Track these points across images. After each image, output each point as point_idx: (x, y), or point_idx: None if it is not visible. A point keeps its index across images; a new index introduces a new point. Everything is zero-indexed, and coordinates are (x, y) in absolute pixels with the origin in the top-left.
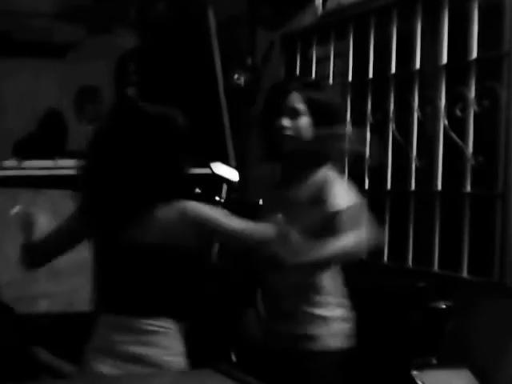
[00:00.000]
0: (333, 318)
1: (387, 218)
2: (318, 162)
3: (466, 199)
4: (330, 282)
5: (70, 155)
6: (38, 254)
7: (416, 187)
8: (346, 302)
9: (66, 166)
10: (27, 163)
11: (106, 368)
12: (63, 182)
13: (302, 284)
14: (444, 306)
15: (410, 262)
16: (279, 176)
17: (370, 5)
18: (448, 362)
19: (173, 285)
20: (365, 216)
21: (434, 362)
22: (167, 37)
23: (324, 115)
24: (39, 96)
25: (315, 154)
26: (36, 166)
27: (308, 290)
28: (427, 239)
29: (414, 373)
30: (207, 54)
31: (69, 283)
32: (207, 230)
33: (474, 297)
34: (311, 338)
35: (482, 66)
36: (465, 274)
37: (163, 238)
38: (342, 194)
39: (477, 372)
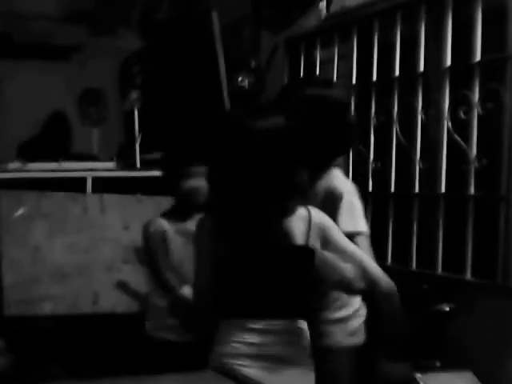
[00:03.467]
0: (347, 317)
1: (391, 221)
2: (319, 166)
3: (470, 202)
4: None
5: (74, 157)
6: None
7: (420, 190)
8: (354, 299)
9: (70, 168)
10: (31, 165)
11: (253, 371)
12: (67, 185)
13: None
14: (447, 309)
15: (414, 265)
16: None
17: (373, 7)
18: (451, 364)
19: (305, 286)
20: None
21: (438, 364)
22: (171, 39)
23: (333, 112)
24: (43, 98)
25: (312, 157)
26: (40, 169)
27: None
28: (431, 242)
29: (418, 375)
30: (211, 57)
31: (72, 286)
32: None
33: (477, 299)
34: (324, 335)
35: (485, 69)
36: (468, 276)
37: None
38: (349, 216)
39: (480, 374)
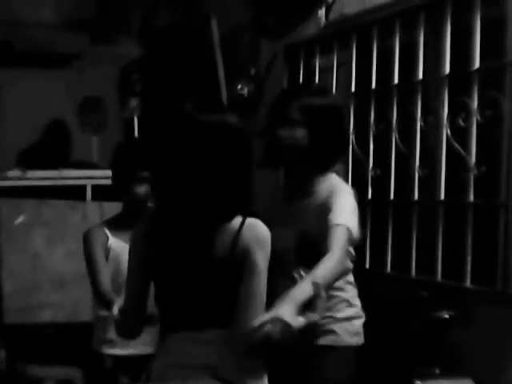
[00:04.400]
0: (351, 316)
1: (390, 228)
2: (318, 170)
3: (469, 209)
4: (341, 282)
5: (74, 165)
6: (129, 324)
7: (419, 197)
8: (357, 300)
9: (70, 176)
10: (31, 173)
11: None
12: (67, 192)
13: None
14: (447, 316)
15: (413, 272)
16: (284, 188)
17: (372, 15)
18: (451, 371)
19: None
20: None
21: (437, 371)
22: (171, 47)
23: (328, 120)
24: (43, 106)
25: (313, 162)
26: (40, 177)
27: None
28: (430, 249)
29: (417, 382)
30: (210, 64)
31: (72, 293)
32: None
33: (476, 306)
34: (324, 333)
35: (484, 76)
36: (468, 283)
37: (230, 253)
38: (346, 208)
39: (479, 381)
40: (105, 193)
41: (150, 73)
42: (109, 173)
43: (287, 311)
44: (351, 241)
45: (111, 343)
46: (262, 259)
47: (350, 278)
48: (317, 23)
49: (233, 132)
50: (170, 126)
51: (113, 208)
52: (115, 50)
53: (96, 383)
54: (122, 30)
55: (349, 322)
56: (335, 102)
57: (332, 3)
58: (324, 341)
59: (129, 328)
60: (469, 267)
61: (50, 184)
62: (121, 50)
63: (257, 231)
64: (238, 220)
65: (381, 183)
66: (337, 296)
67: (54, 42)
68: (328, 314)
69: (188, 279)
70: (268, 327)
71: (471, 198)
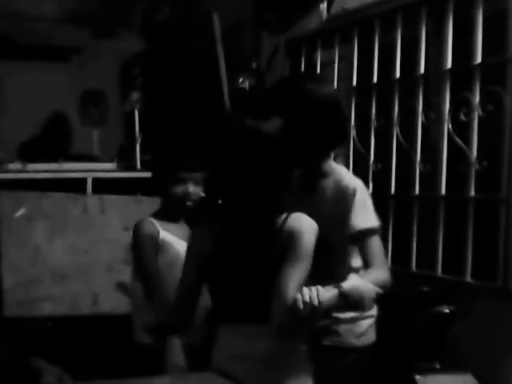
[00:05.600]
0: (357, 317)
1: (391, 222)
2: (313, 159)
3: (470, 204)
4: None
5: (75, 158)
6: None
7: (420, 192)
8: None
9: (71, 169)
10: (32, 166)
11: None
12: (68, 185)
13: None
14: (447, 311)
15: (414, 266)
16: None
17: (374, 9)
18: (451, 366)
19: None
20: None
21: (437, 366)
22: (172, 41)
23: (325, 108)
24: (44, 99)
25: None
26: (40, 169)
27: None
28: (431, 243)
29: (417, 377)
30: (212, 58)
31: (72, 286)
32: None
33: (477, 301)
34: (328, 334)
35: (486, 71)
36: (468, 278)
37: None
38: (365, 206)
39: (480, 377)
40: (105, 186)
41: (151, 67)
42: (109, 166)
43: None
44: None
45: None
46: (305, 247)
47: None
48: (318, 17)
49: (281, 137)
50: (222, 130)
51: (113, 201)
52: (116, 43)
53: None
54: (123, 24)
55: (354, 323)
56: (331, 90)
57: None
58: (328, 341)
59: (179, 321)
60: (469, 262)
61: (51, 177)
62: (122, 43)
63: (300, 221)
64: (284, 216)
65: (382, 178)
66: None
67: (55, 35)
68: (333, 314)
69: (241, 275)
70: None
71: (472, 192)
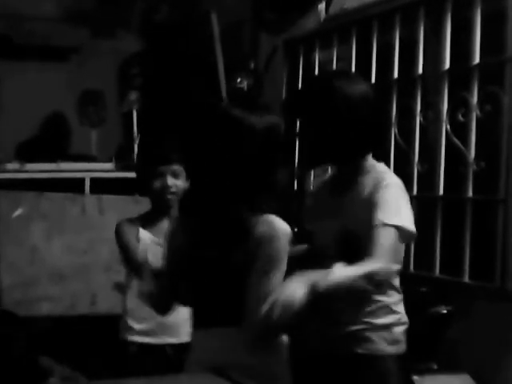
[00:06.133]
0: (391, 324)
1: None
2: (352, 161)
3: (468, 204)
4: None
5: (73, 158)
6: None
7: (418, 192)
8: (400, 306)
9: (69, 169)
10: (30, 166)
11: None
12: (66, 185)
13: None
14: (445, 311)
15: (412, 267)
16: (330, 182)
17: (372, 10)
18: (448, 366)
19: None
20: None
21: (435, 366)
22: (170, 41)
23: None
24: (42, 99)
25: (341, 153)
26: (39, 169)
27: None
28: (429, 244)
29: (415, 378)
30: (210, 58)
31: (70, 286)
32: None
33: (475, 302)
34: (361, 341)
35: (484, 71)
36: (466, 278)
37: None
38: (392, 204)
39: (477, 377)
40: (103, 186)
41: (150, 67)
42: (107, 166)
43: (292, 287)
44: (404, 238)
45: (137, 331)
46: (276, 252)
47: (396, 281)
48: (317, 17)
49: (277, 134)
50: (203, 121)
51: (111, 201)
52: (115, 43)
53: (121, 371)
54: (121, 23)
55: (388, 330)
56: (369, 91)
57: None
58: (360, 349)
59: (162, 303)
60: (467, 262)
61: (49, 177)
62: (120, 43)
63: (273, 225)
64: (257, 217)
65: None
66: (379, 301)
67: (53, 35)
68: (366, 319)
69: (206, 274)
70: (267, 309)
71: (470, 193)
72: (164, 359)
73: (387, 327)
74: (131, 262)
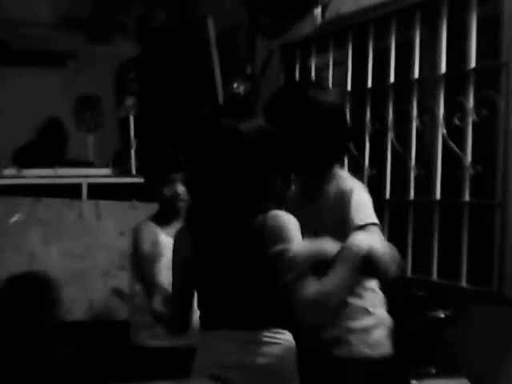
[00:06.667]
0: (370, 327)
1: (386, 228)
2: (319, 170)
3: (465, 208)
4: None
5: (70, 164)
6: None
7: (415, 196)
8: (378, 308)
9: (66, 174)
10: (27, 172)
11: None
12: (63, 191)
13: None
14: (442, 315)
15: (409, 271)
16: (298, 191)
17: (369, 14)
18: (447, 371)
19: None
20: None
21: (433, 371)
22: (167, 46)
23: (328, 116)
24: (39, 105)
25: (309, 162)
26: (36, 175)
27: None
28: (426, 248)
29: (413, 382)
30: (207, 63)
31: (68, 292)
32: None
33: (472, 306)
34: (339, 344)
35: (480, 76)
36: (463, 283)
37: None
38: (365, 204)
39: (475, 381)
40: (100, 191)
41: (147, 72)
42: (104, 171)
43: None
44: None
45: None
46: (292, 238)
47: (371, 283)
48: (313, 22)
49: (268, 137)
50: (199, 129)
51: (109, 207)
52: (111, 48)
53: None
54: (118, 29)
55: (367, 333)
56: (335, 99)
57: (328, 2)
58: (339, 352)
59: (175, 323)
60: (465, 267)
61: (46, 182)
62: (117, 48)
63: (281, 217)
64: (263, 215)
65: (377, 182)
66: (353, 303)
67: (49, 40)
68: (343, 322)
69: (224, 279)
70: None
71: (467, 197)
72: (175, 362)
73: (366, 330)
74: (147, 279)
